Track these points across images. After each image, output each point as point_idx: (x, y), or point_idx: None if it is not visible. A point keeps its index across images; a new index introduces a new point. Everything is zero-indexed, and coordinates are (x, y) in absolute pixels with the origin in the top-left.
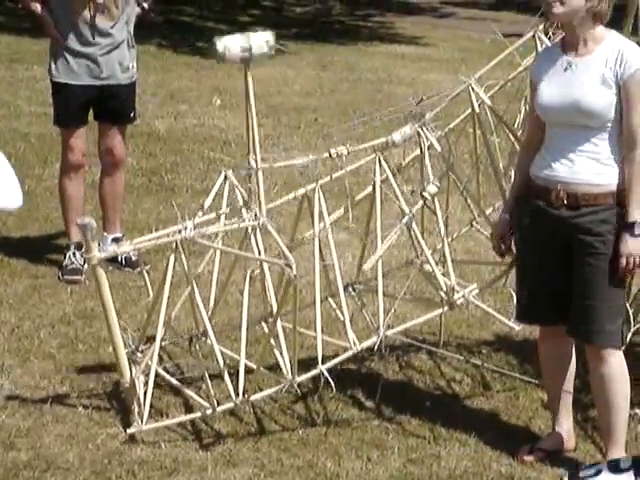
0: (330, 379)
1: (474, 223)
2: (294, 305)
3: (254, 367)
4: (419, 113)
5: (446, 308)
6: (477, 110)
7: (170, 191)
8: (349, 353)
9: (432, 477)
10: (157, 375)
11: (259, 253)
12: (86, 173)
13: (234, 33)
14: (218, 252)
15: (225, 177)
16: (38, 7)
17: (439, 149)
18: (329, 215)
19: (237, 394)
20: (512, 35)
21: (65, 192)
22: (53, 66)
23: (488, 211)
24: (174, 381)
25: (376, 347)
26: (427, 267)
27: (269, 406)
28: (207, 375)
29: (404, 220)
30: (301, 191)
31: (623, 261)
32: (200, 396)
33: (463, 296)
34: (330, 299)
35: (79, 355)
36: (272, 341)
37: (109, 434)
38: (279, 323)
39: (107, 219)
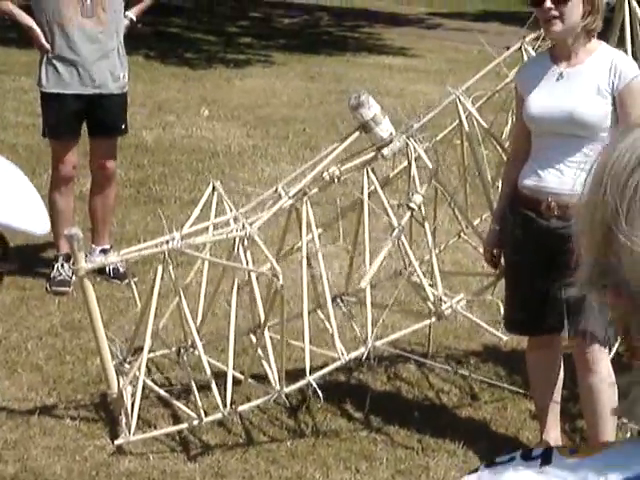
0: (318, 390)
1: (462, 234)
2: (282, 315)
3: (242, 378)
4: (407, 125)
5: (434, 319)
6: (464, 121)
7: (158, 202)
8: (337, 364)
9: None
10: (145, 386)
11: (247, 264)
12: (75, 185)
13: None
14: (206, 263)
15: (213, 188)
16: (31, 21)
17: (427, 161)
18: (317, 226)
19: (225, 405)
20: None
21: (55, 205)
22: (44, 77)
23: (476, 222)
24: (162, 392)
25: (364, 358)
26: (415, 278)
27: (257, 417)
28: (195, 386)
29: (394, 234)
30: (289, 202)
31: None
32: (188, 407)
33: (451, 307)
34: (318, 310)
35: (67, 367)
36: (260, 352)
37: (97, 446)
38: (267, 334)
39: (96, 232)
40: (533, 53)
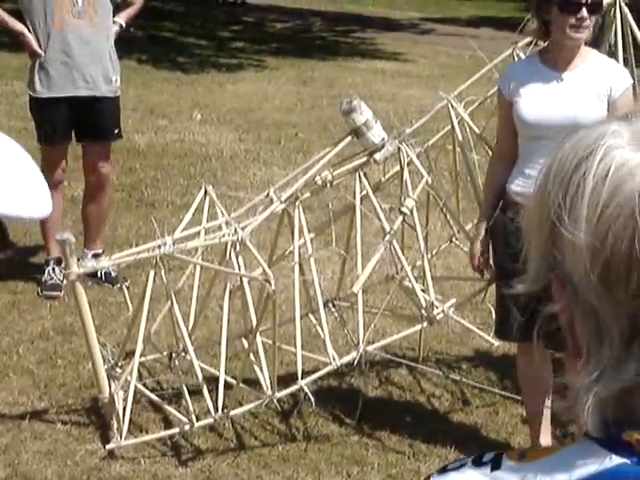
0: (310, 395)
1: (454, 239)
2: (273, 320)
3: (234, 382)
4: (399, 130)
5: (426, 324)
6: (456, 127)
7: (150, 206)
8: (329, 368)
9: None
10: (136, 391)
11: (239, 268)
12: (65, 189)
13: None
14: (198, 267)
15: (205, 192)
16: (22, 27)
17: (419, 165)
18: (309, 231)
19: (216, 409)
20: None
21: None
22: (37, 83)
23: (468, 227)
24: (153, 397)
25: (356, 362)
26: (407, 283)
27: (249, 422)
28: (186, 391)
29: (386, 238)
30: (281, 207)
31: None
32: (179, 412)
33: (442, 311)
34: (310, 315)
35: (58, 371)
36: (252, 356)
37: (88, 450)
38: (259, 338)
39: (89, 237)
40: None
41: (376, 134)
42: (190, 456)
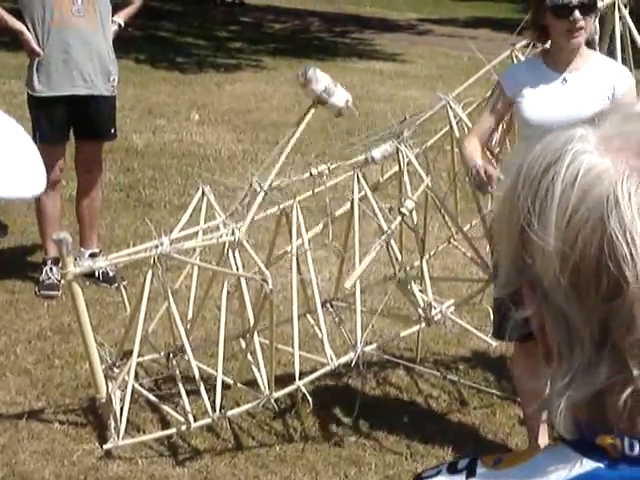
0: (307, 395)
1: (452, 240)
2: (271, 320)
3: (231, 383)
4: (398, 130)
5: (424, 324)
6: (455, 127)
7: (148, 206)
8: (326, 369)
9: None
10: (134, 391)
11: (236, 268)
12: (63, 188)
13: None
14: (195, 267)
15: (203, 193)
16: (22, 26)
17: (418, 167)
18: (307, 231)
19: (214, 410)
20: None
21: (42, 207)
22: (35, 81)
23: (466, 228)
24: (151, 397)
25: (353, 363)
26: (405, 283)
27: (246, 422)
28: (184, 391)
29: (383, 237)
30: (279, 207)
31: None
32: (177, 412)
33: (440, 312)
34: (308, 315)
35: (55, 371)
36: (249, 357)
37: (85, 450)
38: (256, 338)
39: (84, 235)
40: (523, 59)
41: (340, 98)
42: (187, 456)
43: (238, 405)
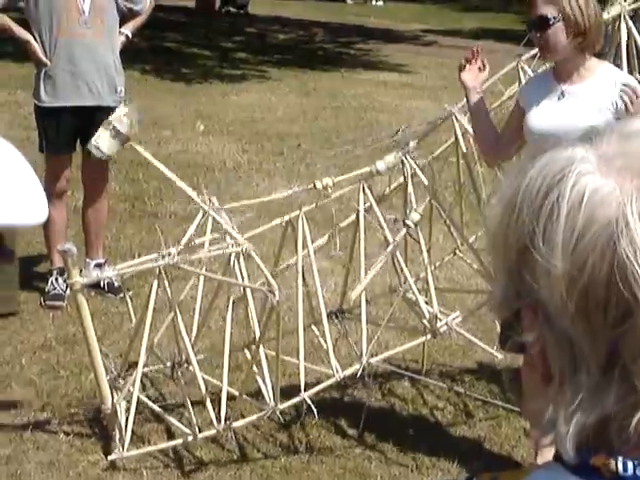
0: (313, 406)
1: (457, 251)
2: (277, 332)
3: (236, 394)
4: (403, 141)
5: (429, 336)
6: (461, 139)
7: (153, 217)
8: (332, 380)
9: None
10: (139, 401)
11: (242, 279)
12: (69, 198)
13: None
14: (201, 278)
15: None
16: (28, 35)
17: (423, 178)
18: (312, 242)
19: (219, 421)
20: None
21: (49, 219)
22: (42, 91)
23: (471, 239)
24: (156, 408)
25: (359, 375)
26: (410, 295)
27: (251, 433)
28: (189, 402)
29: (389, 249)
30: (285, 218)
31: None
32: (182, 423)
33: (446, 324)
34: (313, 326)
35: (61, 381)
36: (255, 368)
37: (90, 461)
38: (262, 350)
39: (90, 245)
40: (529, 71)
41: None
42: (192, 468)
43: (243, 416)
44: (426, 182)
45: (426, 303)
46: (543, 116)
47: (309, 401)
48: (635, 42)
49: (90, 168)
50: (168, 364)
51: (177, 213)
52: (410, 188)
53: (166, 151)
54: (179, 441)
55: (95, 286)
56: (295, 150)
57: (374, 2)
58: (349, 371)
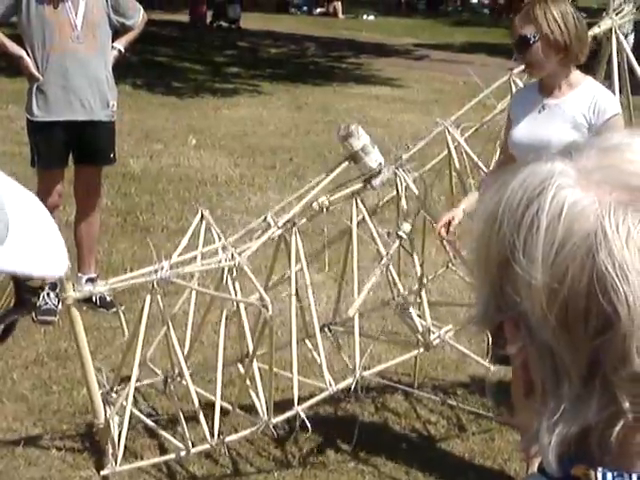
0: (306, 420)
1: (449, 265)
2: (271, 346)
3: (230, 408)
4: (396, 155)
5: (422, 349)
6: (453, 152)
7: (145, 231)
8: (325, 394)
9: None
10: (132, 416)
11: (235, 294)
12: (61, 213)
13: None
14: (194, 292)
15: (202, 216)
16: (21, 51)
17: (415, 191)
18: (305, 256)
19: (212, 435)
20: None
21: None
22: (34, 106)
23: (464, 253)
24: (149, 422)
25: (352, 388)
26: (403, 308)
27: (244, 448)
28: (182, 416)
29: (382, 262)
30: (278, 232)
31: None
32: (175, 437)
33: (439, 337)
34: (306, 340)
35: (53, 396)
36: (248, 382)
37: (82, 477)
38: (255, 364)
39: (82, 260)
40: (521, 84)
41: (373, 159)
42: None
43: (236, 431)
44: (418, 194)
45: (419, 316)
46: (523, 129)
47: (303, 415)
48: (627, 57)
49: (82, 183)
50: (161, 378)
51: (169, 227)
52: (403, 201)
53: (158, 165)
54: (172, 456)
55: (87, 301)
56: (287, 164)
57: (365, 16)
58: (342, 385)
